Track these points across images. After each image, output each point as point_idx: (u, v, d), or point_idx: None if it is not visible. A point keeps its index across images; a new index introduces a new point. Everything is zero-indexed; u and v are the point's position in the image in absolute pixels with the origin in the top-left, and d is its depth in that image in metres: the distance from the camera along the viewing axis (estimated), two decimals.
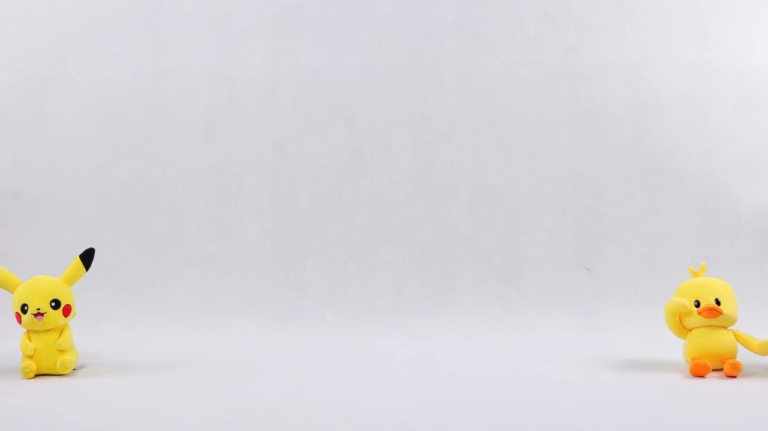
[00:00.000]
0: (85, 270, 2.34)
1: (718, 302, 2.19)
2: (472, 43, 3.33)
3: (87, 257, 2.34)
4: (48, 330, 2.28)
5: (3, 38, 3.40)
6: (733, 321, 2.23)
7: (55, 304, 2.27)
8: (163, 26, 3.36)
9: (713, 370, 2.21)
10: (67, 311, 2.29)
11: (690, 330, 2.23)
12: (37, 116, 3.38)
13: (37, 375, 2.27)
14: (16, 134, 3.38)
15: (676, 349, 2.34)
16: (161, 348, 2.50)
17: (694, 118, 3.28)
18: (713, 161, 3.27)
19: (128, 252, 3.19)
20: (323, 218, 3.24)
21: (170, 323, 2.86)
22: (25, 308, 2.26)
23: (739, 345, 2.24)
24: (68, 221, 3.28)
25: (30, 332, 2.29)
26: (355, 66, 3.33)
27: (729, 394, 2.00)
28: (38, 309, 2.25)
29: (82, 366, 2.39)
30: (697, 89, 3.29)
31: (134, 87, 3.35)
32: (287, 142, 3.32)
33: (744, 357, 2.25)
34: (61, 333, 2.29)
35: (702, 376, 2.16)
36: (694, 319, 2.20)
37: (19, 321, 2.28)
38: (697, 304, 2.19)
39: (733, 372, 2.16)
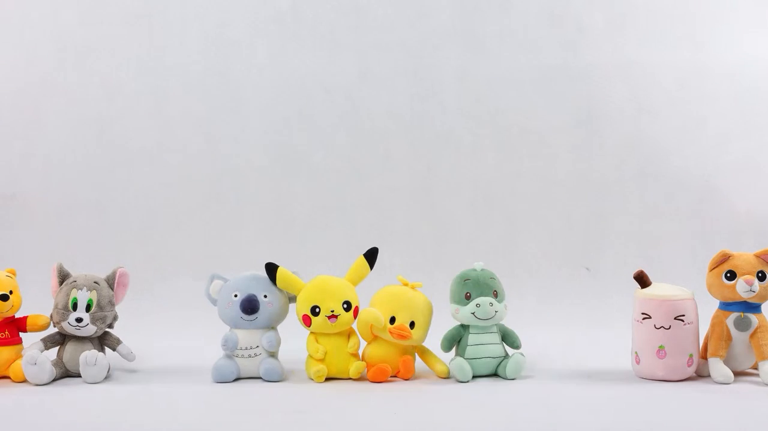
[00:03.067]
0: (369, 269, 2.24)
1: (412, 325, 2.18)
2: (471, 44, 3.33)
3: (371, 257, 2.23)
4: (337, 333, 2.19)
5: (0, 42, 3.40)
6: (419, 344, 2.23)
7: (347, 306, 2.17)
8: (161, 31, 3.36)
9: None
10: (356, 313, 2.19)
11: (376, 337, 2.22)
12: (34, 118, 3.37)
13: (326, 379, 2.19)
14: (13, 136, 3.37)
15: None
16: (161, 350, 2.49)
17: (691, 120, 3.29)
18: (710, 164, 3.27)
19: (126, 253, 3.17)
20: (323, 221, 3.24)
21: (169, 324, 2.85)
22: (317, 310, 2.15)
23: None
24: (65, 223, 3.27)
25: (317, 334, 2.19)
26: (355, 70, 3.33)
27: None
28: (332, 311, 2.15)
29: None
30: (695, 91, 3.30)
31: (132, 90, 3.35)
32: (287, 145, 3.31)
33: None
34: (349, 337, 2.20)
35: (381, 381, 2.18)
36: (385, 334, 2.19)
37: (308, 324, 2.18)
38: (392, 320, 2.18)
39: (406, 374, 2.18)
